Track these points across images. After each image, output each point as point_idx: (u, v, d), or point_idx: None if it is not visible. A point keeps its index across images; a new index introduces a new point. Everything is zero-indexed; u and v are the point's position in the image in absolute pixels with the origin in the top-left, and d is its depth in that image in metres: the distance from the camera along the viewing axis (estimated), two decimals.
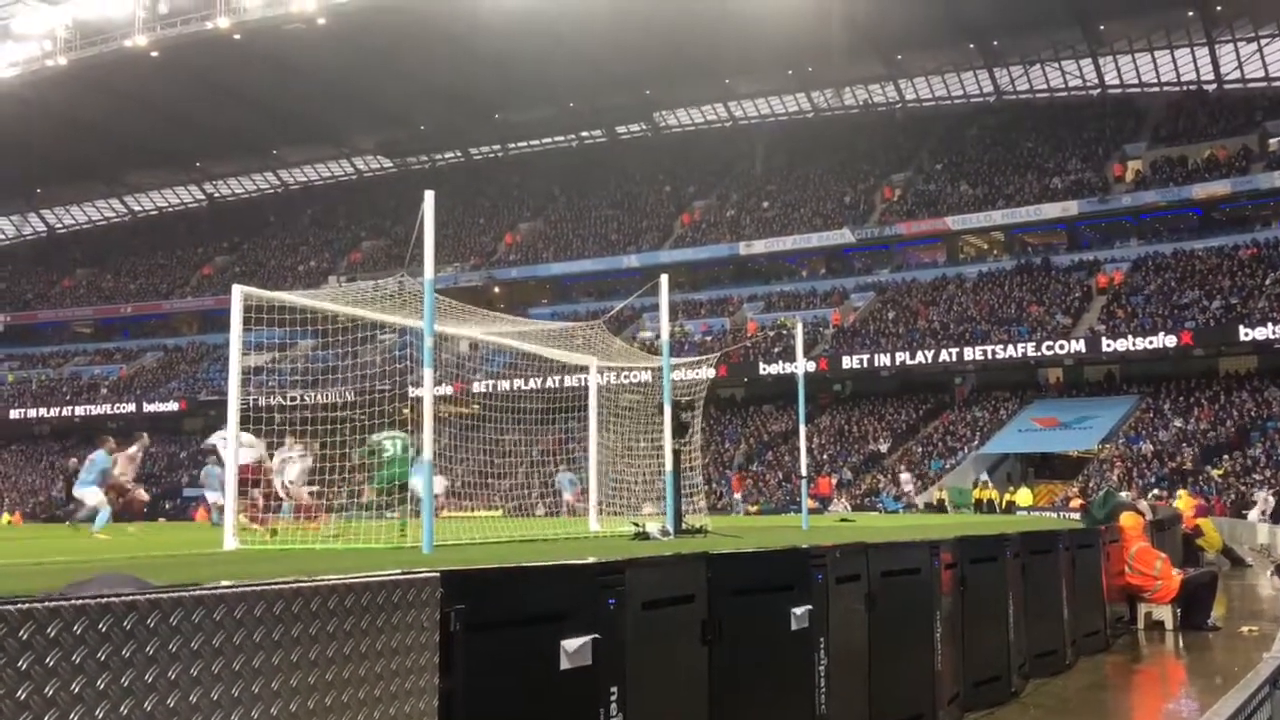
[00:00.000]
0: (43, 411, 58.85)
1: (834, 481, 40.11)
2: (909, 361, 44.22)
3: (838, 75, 58.53)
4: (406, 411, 13.42)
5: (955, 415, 44.21)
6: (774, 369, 45.92)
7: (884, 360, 44.71)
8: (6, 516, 44.36)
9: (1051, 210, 48.36)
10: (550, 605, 4.01)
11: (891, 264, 52.70)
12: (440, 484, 12.94)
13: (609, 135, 66.83)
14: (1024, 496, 35.90)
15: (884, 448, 43.20)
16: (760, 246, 53.91)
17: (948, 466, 40.13)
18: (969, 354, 43.32)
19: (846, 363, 45.34)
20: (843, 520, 20.82)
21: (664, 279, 13.56)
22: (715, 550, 5.25)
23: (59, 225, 75.88)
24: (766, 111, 63.49)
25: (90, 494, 18.10)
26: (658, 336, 15.94)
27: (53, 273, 69.69)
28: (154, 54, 53.49)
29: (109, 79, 54.81)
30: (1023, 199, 49.40)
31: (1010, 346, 42.57)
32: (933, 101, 59.85)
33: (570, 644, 3.96)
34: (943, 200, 52.06)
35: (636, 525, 12.19)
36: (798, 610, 5.27)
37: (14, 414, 59.03)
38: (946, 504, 35.57)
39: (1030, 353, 42.25)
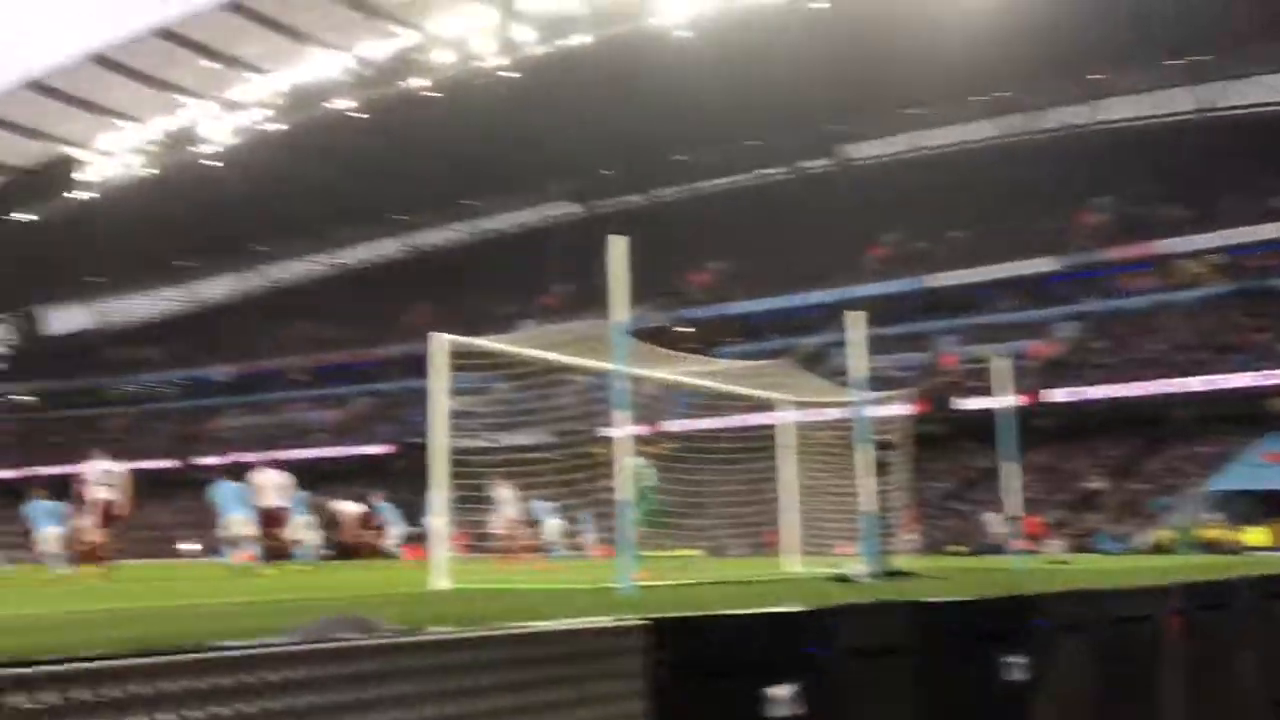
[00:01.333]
0: (268, 455, 62.33)
1: (1045, 521, 38.51)
2: (1121, 394, 42.11)
3: (1029, 99, 56.79)
4: (599, 453, 13.60)
5: (1175, 450, 41.81)
6: (974, 404, 44.52)
7: (1095, 392, 42.72)
8: (234, 555, 46.98)
9: (1272, 230, 45.48)
10: (757, 653, 3.95)
11: (1097, 291, 50.46)
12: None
13: (793, 171, 66.64)
14: (1259, 536, 33.52)
15: (1099, 485, 41.19)
16: (953, 278, 52.52)
17: (1170, 504, 37.94)
18: (1187, 385, 40.94)
19: (1053, 396, 43.53)
20: (1057, 562, 19.90)
21: (854, 315, 13.36)
22: (926, 597, 5.07)
23: (279, 281, 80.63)
24: (955, 140, 62.07)
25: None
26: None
27: (273, 325, 73.96)
28: (361, 115, 56.49)
29: (320, 140, 58.13)
30: (1239, 219, 46.63)
31: (1233, 376, 40.07)
32: (1133, 121, 57.30)
33: (777, 693, 3.88)
34: (1151, 223, 49.62)
35: (835, 567, 11.97)
36: (1014, 660, 5.02)
37: (242, 457, 62.76)
38: (1171, 545, 33.59)
39: (1255, 383, 39.66)
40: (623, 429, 9.54)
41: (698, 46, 48.60)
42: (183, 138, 61.45)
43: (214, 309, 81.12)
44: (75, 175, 64.30)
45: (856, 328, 12.91)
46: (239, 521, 21.21)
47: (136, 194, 62.86)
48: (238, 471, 24.10)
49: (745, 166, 66.86)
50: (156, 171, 62.17)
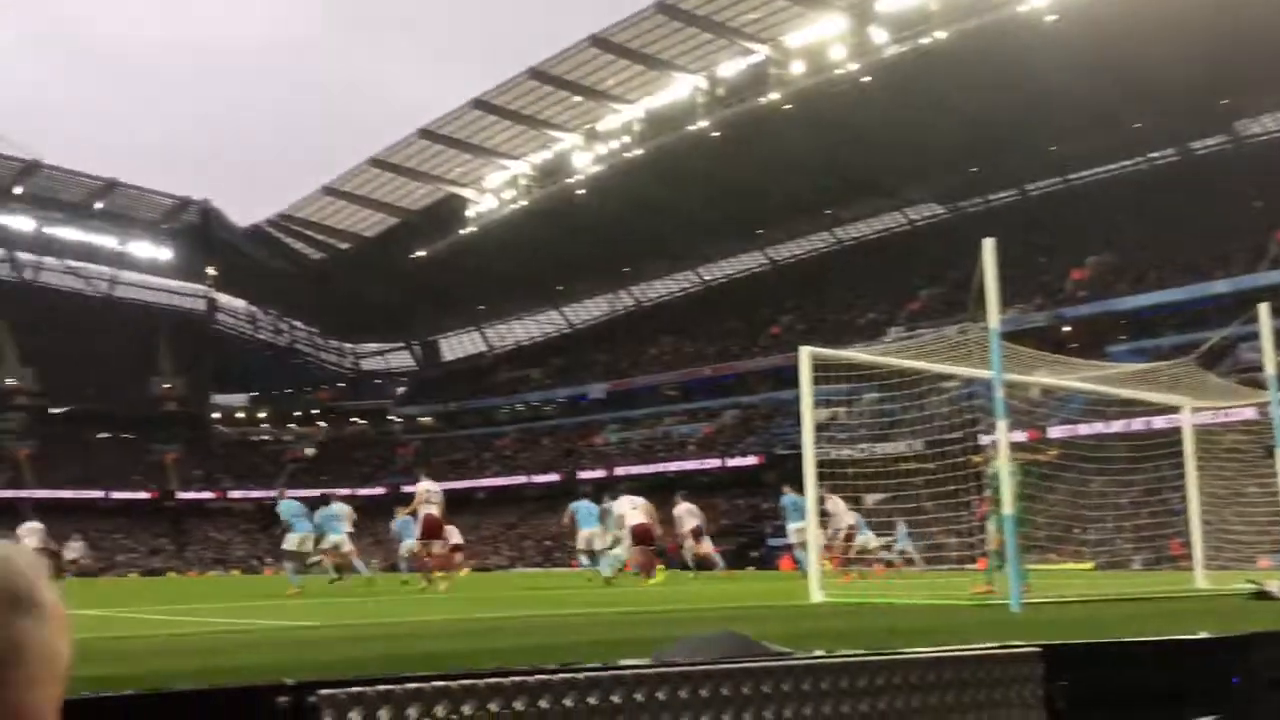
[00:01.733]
0: (642, 468, 65.14)
1: None
2: None
3: None
4: (978, 460, 13.13)
5: None
6: None
7: None
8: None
9: None
10: (1165, 682, 3.66)
11: None
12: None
13: (1182, 153, 61.51)
14: None
15: None
16: None
17: None
18: None
19: None
20: None
21: (1264, 306, 12.17)
22: None
23: (645, 299, 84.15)
24: None
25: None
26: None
27: (642, 342, 77.19)
28: (715, 134, 57.92)
29: (677, 163, 60.11)
30: None
31: None
32: None
33: None
34: None
35: (1253, 583, 10.89)
36: None
37: (619, 470, 65.94)
38: None
39: None
40: (1002, 436, 9.18)
41: (1066, 30, 45.95)
42: (553, 170, 65.60)
43: (588, 329, 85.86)
44: (462, 213, 70.25)
45: (1266, 319, 11.72)
46: (592, 535, 24.08)
47: (515, 226, 67.76)
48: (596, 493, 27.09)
49: (1126, 152, 62.44)
50: (530, 204, 66.69)
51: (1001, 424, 9.01)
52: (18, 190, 71.16)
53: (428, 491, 21.00)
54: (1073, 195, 64.42)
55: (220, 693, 2.04)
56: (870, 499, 18.86)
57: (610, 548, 23.16)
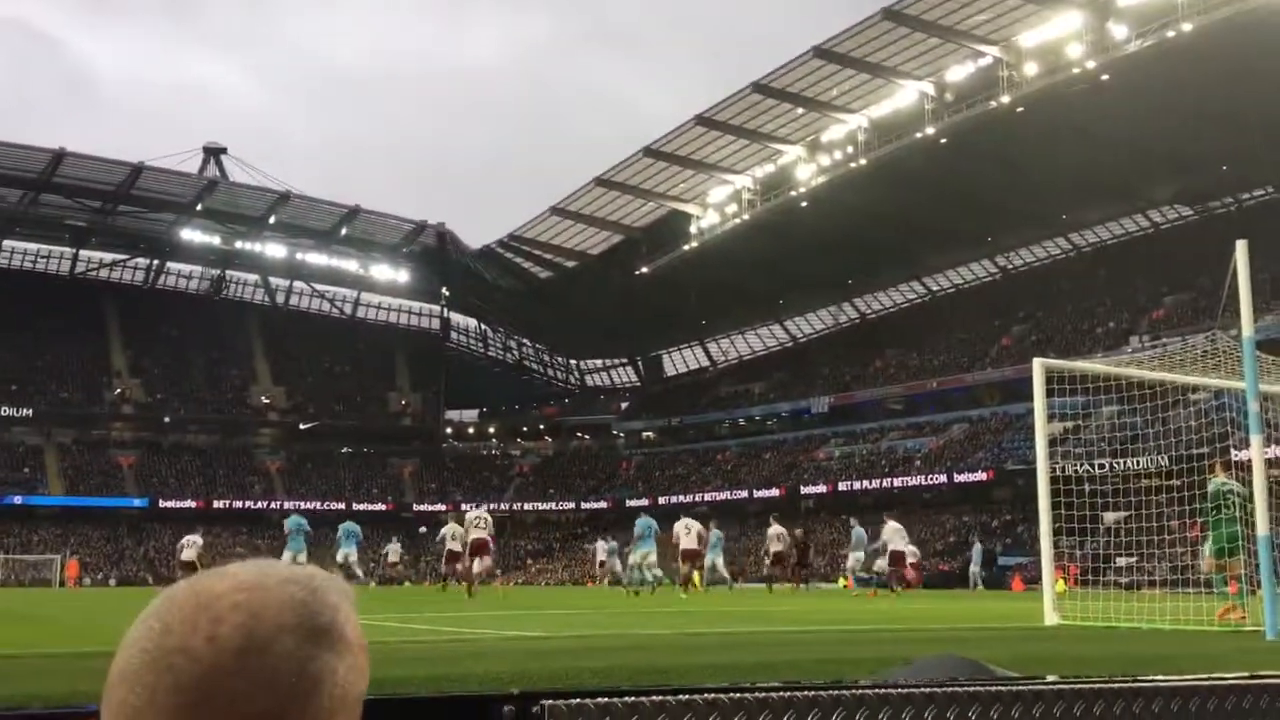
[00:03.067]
0: (865, 484, 64.03)
1: None
2: None
3: None
4: (1230, 480, 12.30)
5: None
6: None
7: None
8: (841, 581, 48.80)
9: None
10: None
11: None
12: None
13: None
14: None
15: None
16: None
17: None
18: None
19: None
20: None
21: None
22: None
23: (868, 311, 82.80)
24: None
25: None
26: None
27: (866, 355, 75.96)
28: (942, 140, 56.43)
29: (902, 171, 58.86)
30: None
31: None
32: None
33: None
34: None
35: None
36: None
37: (842, 486, 65.02)
38: None
39: None
40: (1256, 452, 8.61)
41: None
42: (776, 183, 65.47)
43: (810, 343, 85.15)
44: (685, 228, 71.02)
45: None
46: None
47: (737, 240, 67.95)
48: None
49: None
50: (753, 218, 66.74)
51: (1256, 439, 8.45)
52: (271, 220, 76.50)
53: (478, 518, 25.59)
54: None
55: (448, 701, 2.16)
56: (1109, 517, 17.98)
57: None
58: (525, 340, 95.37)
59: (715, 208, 69.11)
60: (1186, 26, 46.35)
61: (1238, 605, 10.90)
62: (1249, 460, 8.68)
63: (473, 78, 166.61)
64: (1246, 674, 3.18)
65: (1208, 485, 12.02)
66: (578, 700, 1.94)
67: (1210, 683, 3.02)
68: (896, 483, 62.23)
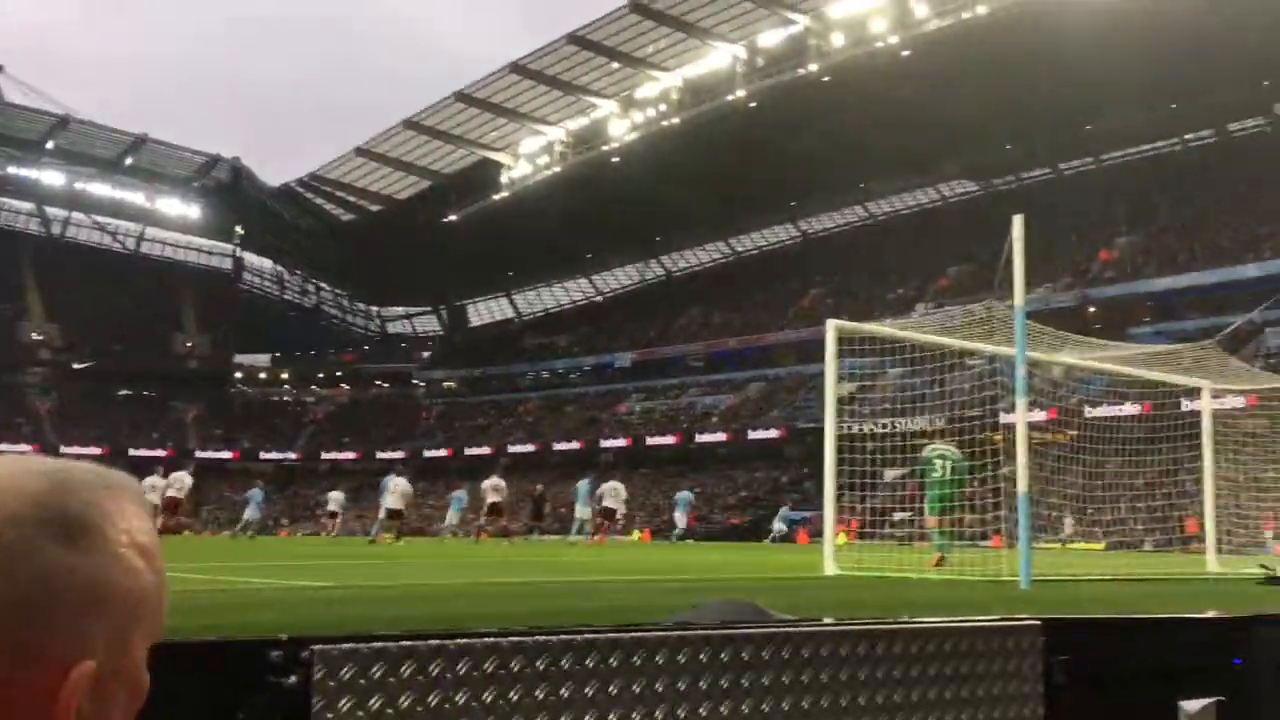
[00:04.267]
0: (665, 439, 65.23)
1: None
2: None
3: None
4: (998, 439, 13.12)
5: None
6: None
7: None
8: (636, 533, 49.76)
9: None
10: (1165, 661, 3.69)
11: None
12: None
13: (1219, 134, 60.71)
14: None
15: None
16: None
17: None
18: None
19: None
20: None
21: None
22: None
23: (674, 269, 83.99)
24: None
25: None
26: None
27: (670, 312, 77.14)
28: (752, 104, 57.55)
29: (714, 132, 59.76)
30: None
31: None
32: None
33: (1191, 706, 3.61)
34: None
35: (1265, 568, 10.88)
36: None
37: (642, 440, 66.05)
38: None
39: None
40: (1020, 415, 9.18)
41: (1107, 6, 45.31)
42: (589, 137, 65.40)
43: (617, 298, 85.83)
44: (495, 178, 70.22)
45: None
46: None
47: (548, 192, 67.67)
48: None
49: (1161, 133, 61.68)
50: (564, 170, 66.56)
51: (1021, 402, 9.02)
52: (49, 145, 71.56)
53: (494, 486, 28.19)
54: (1105, 175, 63.80)
55: (213, 645, 2.09)
56: (890, 474, 18.86)
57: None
58: (324, 284, 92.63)
59: (527, 158, 68.58)
60: (982, 10, 48.55)
61: (944, 555, 11.95)
62: (1014, 422, 9.25)
63: (283, 10, 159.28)
64: (1000, 616, 3.43)
65: (922, 451, 13.01)
66: (350, 645, 1.90)
67: (969, 624, 3.24)
68: (697, 438, 63.66)
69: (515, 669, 2.16)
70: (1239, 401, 15.25)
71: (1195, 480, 13.67)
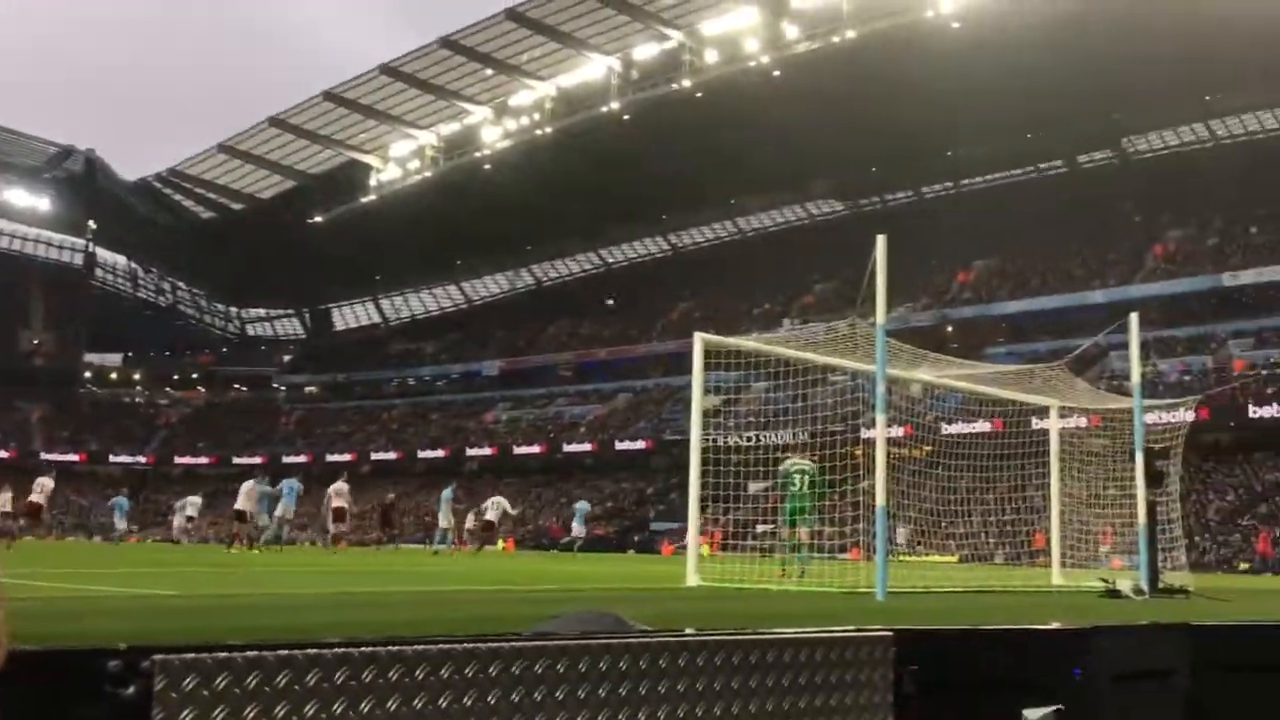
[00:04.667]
0: (531, 448, 64.96)
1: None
2: None
3: None
4: (859, 454, 13.44)
5: None
6: (1267, 411, 41.14)
7: None
8: (501, 543, 49.38)
9: None
10: (1010, 671, 3.82)
11: None
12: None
13: (1070, 165, 63.50)
14: None
15: None
16: (1249, 276, 48.70)
17: None
18: None
19: None
20: None
21: (1134, 316, 12.70)
22: (1198, 620, 4.77)
23: (545, 278, 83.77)
24: (1255, 128, 57.41)
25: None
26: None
27: (540, 321, 76.91)
28: (626, 117, 57.88)
29: (587, 143, 59.92)
30: None
31: None
32: None
33: (1033, 714, 3.75)
34: None
35: (1105, 581, 11.37)
36: None
37: (508, 449, 65.64)
38: None
39: None
40: (880, 431, 9.41)
41: (969, 38, 46.94)
42: (461, 143, 64.81)
43: (486, 306, 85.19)
44: (364, 180, 69.02)
45: (1134, 330, 12.24)
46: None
47: (418, 197, 66.83)
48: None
49: (1018, 162, 64.21)
50: (435, 175, 65.83)
51: (880, 418, 9.24)
52: None
53: (338, 491, 28.01)
54: (965, 200, 66.03)
55: (51, 654, 1.99)
56: (753, 487, 19.10)
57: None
58: (181, 283, 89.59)
59: (397, 161, 67.60)
60: (850, 34, 49.79)
61: (786, 569, 12.28)
62: (873, 437, 9.48)
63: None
64: (854, 628, 3.50)
65: (779, 465, 13.34)
66: (193, 655, 1.84)
67: (823, 634, 3.30)
68: (563, 448, 63.60)
69: (367, 680, 2.11)
70: (1083, 421, 15.94)
71: (1043, 496, 14.25)
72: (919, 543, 14.51)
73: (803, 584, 11.20)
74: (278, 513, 27.39)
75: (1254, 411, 41.56)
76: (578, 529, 33.31)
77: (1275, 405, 40.48)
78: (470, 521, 32.10)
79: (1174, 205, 55.81)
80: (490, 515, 31.95)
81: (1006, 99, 52.07)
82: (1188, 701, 4.29)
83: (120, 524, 37.87)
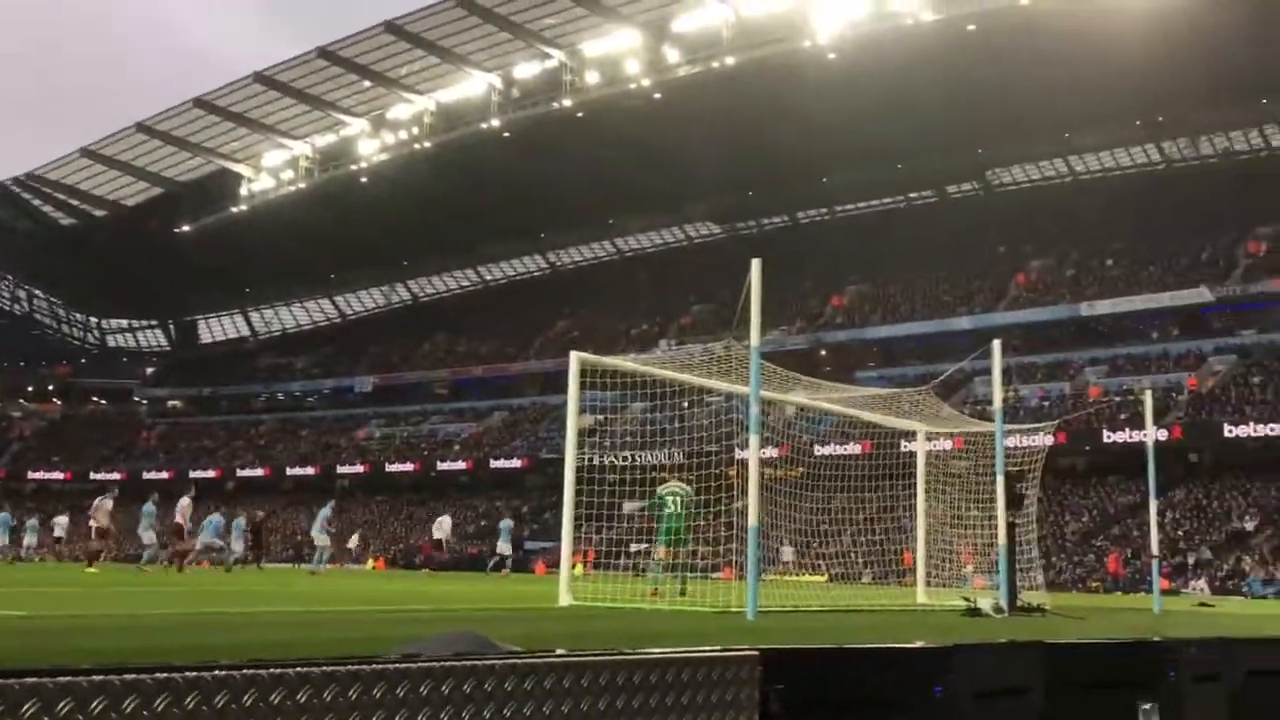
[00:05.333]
0: (405, 466, 63.98)
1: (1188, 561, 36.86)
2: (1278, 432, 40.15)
3: (1194, 124, 54.66)
4: (733, 474, 13.59)
5: None
6: (1120, 437, 42.98)
7: (1250, 430, 40.82)
8: (371, 562, 48.49)
9: None
10: (873, 690, 3.88)
11: (1257, 324, 48.23)
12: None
13: (939, 195, 65.52)
14: None
15: (1250, 526, 39.30)
16: (1104, 307, 50.92)
17: None
18: None
19: (1204, 431, 41.75)
20: (1201, 605, 19.13)
21: (997, 342, 13.11)
22: (1053, 639, 4.92)
23: (421, 294, 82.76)
24: (1111, 165, 60.17)
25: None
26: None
27: (415, 337, 75.96)
28: (505, 134, 57.69)
29: (466, 159, 59.52)
30: None
31: None
32: None
33: None
34: None
35: (968, 600, 11.69)
36: (1146, 708, 4.84)
37: (381, 467, 64.52)
38: None
39: None
40: (753, 451, 9.52)
41: (844, 68, 48.12)
42: (337, 155, 63.72)
43: (360, 321, 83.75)
44: (235, 189, 67.28)
45: (997, 356, 12.65)
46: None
47: (290, 208, 65.45)
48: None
49: (890, 190, 65.99)
50: (309, 187, 64.55)
51: (754, 439, 9.35)
52: None
53: (99, 506, 25.81)
54: (838, 226, 67.55)
55: None
56: (628, 506, 19.16)
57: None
58: (39, 291, 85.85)
59: (270, 171, 66.10)
60: (730, 60, 50.59)
61: (660, 589, 12.41)
62: (747, 458, 9.59)
63: None
64: (721, 647, 3.52)
65: (658, 488, 13.50)
66: (34, 680, 1.74)
67: (692, 654, 3.30)
68: (438, 466, 62.82)
69: (220, 705, 2.03)
70: (948, 444, 16.41)
71: (910, 516, 14.61)
72: (792, 562, 14.74)
73: (676, 603, 11.26)
74: (141, 530, 26.44)
75: (1108, 436, 43.35)
76: (503, 547, 32.46)
77: (1128, 430, 42.28)
78: (353, 541, 31.45)
79: (1035, 237, 58.07)
80: (438, 534, 33.89)
81: (880, 129, 53.58)
82: (1042, 717, 4.43)
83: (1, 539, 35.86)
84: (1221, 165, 56.22)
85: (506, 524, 33.72)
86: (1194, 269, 50.28)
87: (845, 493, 15.04)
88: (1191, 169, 56.85)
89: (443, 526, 34.44)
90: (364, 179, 63.16)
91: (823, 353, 56.90)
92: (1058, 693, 4.49)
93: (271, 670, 2.17)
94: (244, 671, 2.12)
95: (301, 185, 64.83)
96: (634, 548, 18.57)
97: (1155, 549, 15.23)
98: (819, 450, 20.50)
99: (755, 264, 9.67)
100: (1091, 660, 5.06)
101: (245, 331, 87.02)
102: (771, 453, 15.15)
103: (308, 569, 28.96)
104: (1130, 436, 41.67)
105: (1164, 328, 51.10)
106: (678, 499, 13.25)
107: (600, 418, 41.15)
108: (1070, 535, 42.37)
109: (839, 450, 17.62)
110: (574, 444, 12.10)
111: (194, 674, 2.01)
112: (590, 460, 14.00)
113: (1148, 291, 50.25)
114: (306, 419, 74.14)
